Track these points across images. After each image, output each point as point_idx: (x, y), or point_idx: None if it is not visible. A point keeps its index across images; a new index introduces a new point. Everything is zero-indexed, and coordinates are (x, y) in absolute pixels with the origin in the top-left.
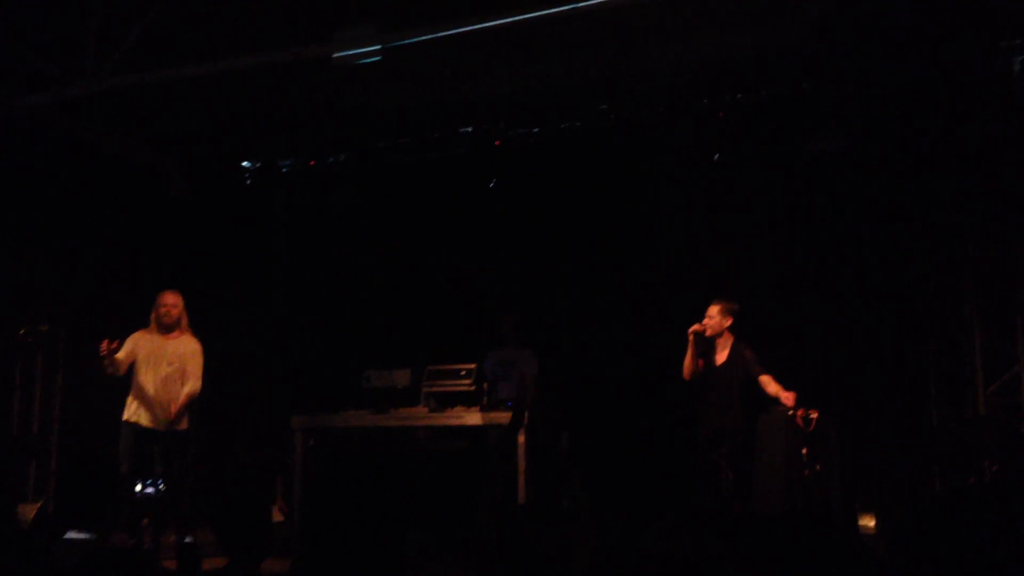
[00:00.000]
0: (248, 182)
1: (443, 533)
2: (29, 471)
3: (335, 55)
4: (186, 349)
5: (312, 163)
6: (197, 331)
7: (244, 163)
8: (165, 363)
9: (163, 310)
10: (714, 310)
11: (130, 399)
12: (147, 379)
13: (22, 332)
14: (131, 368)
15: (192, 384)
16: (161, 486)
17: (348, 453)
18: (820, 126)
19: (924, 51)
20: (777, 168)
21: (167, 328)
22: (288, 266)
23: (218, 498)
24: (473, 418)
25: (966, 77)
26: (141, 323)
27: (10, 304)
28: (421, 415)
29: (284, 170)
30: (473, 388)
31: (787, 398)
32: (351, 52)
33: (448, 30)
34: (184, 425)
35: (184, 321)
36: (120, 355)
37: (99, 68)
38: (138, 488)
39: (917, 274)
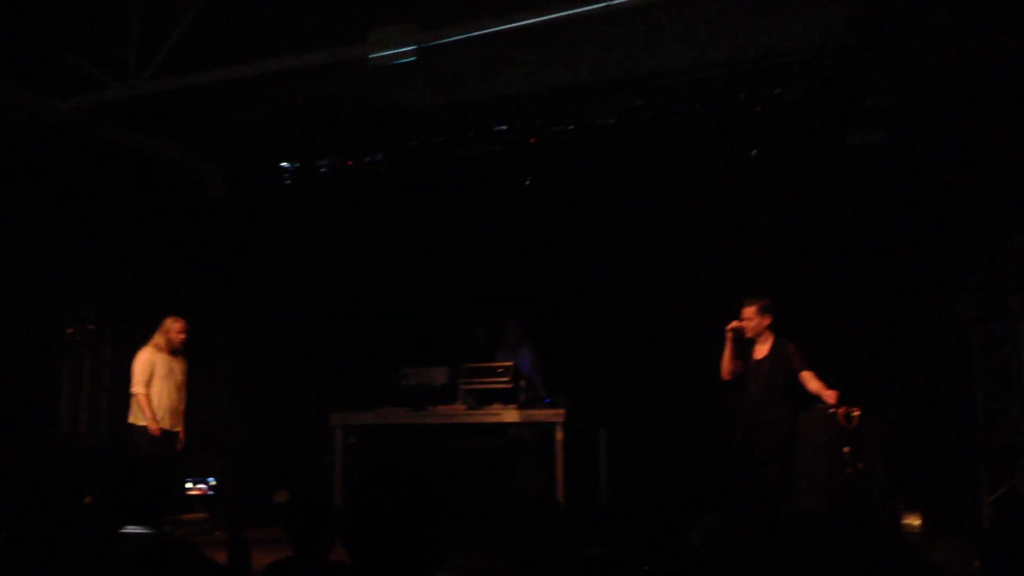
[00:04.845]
0: (287, 182)
1: (480, 529)
2: (77, 469)
3: (371, 56)
4: (185, 367)
5: (350, 163)
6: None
7: (283, 164)
8: (181, 376)
9: (180, 336)
10: (750, 311)
11: (155, 406)
12: (166, 391)
13: (70, 331)
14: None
15: (185, 397)
16: (212, 483)
17: (387, 449)
18: (858, 120)
19: (961, 43)
20: (815, 163)
21: (178, 350)
22: (326, 265)
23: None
24: (510, 415)
25: (1004, 68)
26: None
27: (58, 304)
28: (459, 412)
29: (322, 170)
30: (511, 385)
31: (829, 396)
32: (386, 53)
33: (482, 29)
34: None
35: None
36: (141, 389)
37: (140, 71)
38: (188, 485)
39: (960, 267)
